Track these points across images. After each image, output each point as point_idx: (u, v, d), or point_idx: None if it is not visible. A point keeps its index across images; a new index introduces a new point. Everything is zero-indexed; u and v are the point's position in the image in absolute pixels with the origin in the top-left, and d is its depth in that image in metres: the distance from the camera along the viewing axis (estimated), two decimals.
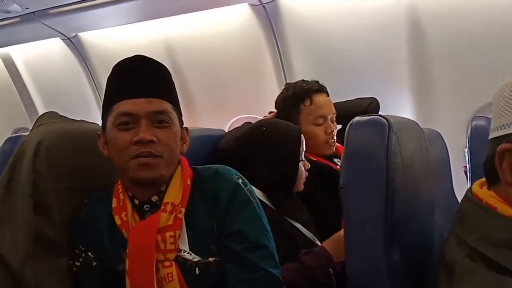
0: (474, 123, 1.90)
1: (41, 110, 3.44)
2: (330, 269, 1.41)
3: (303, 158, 1.62)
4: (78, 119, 1.55)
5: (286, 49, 2.65)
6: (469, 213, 0.78)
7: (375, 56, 2.45)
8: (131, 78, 1.15)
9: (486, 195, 0.77)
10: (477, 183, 0.82)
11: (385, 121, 0.91)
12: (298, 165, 1.57)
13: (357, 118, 0.94)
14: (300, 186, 1.62)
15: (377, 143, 0.88)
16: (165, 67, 1.22)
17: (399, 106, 2.42)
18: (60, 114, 1.45)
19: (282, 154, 1.55)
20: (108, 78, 1.21)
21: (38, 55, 3.37)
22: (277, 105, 1.92)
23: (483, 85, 2.10)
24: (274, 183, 1.55)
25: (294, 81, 1.93)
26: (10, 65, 3.44)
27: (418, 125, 1.06)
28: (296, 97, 1.83)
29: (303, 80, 1.90)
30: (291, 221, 1.62)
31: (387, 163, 0.86)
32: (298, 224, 1.64)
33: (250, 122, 1.80)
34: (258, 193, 1.54)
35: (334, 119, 1.87)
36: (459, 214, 0.81)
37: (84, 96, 3.34)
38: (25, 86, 3.48)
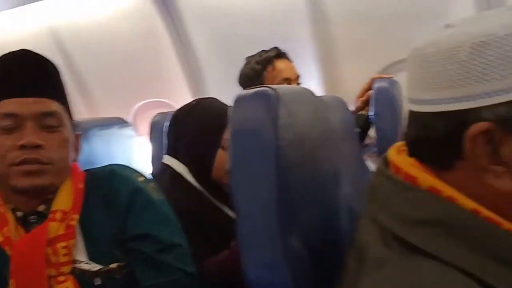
0: (376, 85, 1.87)
1: None
2: None
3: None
4: None
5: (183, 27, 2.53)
6: (380, 186, 0.65)
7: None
8: (15, 75, 1.00)
9: (406, 163, 0.64)
10: (393, 149, 0.69)
11: (272, 92, 0.79)
12: (214, 149, 1.45)
13: (241, 92, 0.82)
14: (223, 176, 1.47)
15: (263, 119, 0.75)
16: (54, 64, 1.07)
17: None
18: None
19: (199, 133, 1.44)
20: None
21: None
22: (241, 81, 1.89)
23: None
24: (191, 162, 1.45)
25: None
26: None
27: (313, 93, 0.96)
28: (259, 66, 1.83)
29: (262, 50, 1.89)
30: (223, 207, 1.48)
31: (276, 140, 0.75)
32: (232, 213, 1.48)
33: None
34: (187, 175, 1.44)
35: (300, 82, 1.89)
36: (371, 188, 0.68)
37: None
38: None
